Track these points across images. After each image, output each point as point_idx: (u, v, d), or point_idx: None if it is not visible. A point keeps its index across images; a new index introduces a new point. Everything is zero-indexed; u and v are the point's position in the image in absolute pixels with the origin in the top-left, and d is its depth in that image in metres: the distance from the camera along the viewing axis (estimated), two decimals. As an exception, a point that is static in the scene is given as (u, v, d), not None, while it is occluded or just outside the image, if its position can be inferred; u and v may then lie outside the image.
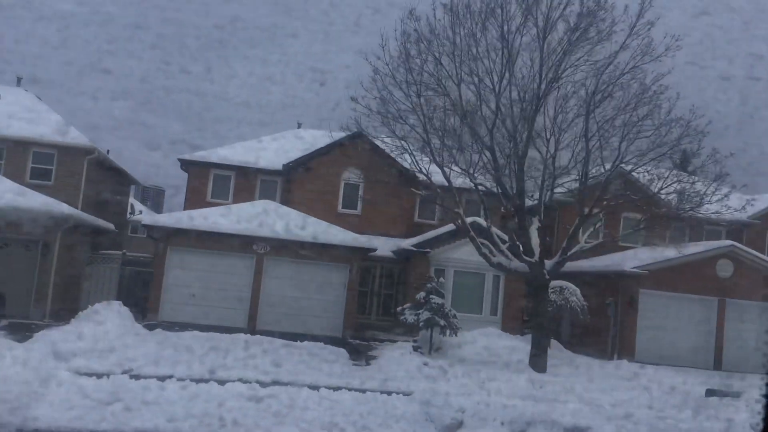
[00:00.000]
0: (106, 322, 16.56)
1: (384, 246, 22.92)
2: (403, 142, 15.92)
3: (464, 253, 20.68)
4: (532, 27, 13.88)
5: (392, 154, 18.10)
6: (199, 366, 12.79)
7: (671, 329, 20.18)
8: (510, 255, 15.35)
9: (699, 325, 20.42)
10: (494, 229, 15.76)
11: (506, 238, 16.85)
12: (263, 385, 11.40)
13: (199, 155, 24.92)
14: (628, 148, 13.94)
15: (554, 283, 19.70)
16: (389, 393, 11.90)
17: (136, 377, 11.33)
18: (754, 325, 20.61)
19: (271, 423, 9.19)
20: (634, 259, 20.91)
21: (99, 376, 11.09)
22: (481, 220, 17.22)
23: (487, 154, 14.36)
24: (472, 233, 15.42)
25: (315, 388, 11.64)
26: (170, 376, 11.65)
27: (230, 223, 19.37)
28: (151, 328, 17.44)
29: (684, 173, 14.23)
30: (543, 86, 14.11)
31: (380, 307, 22.73)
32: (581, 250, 15.36)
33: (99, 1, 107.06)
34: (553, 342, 20.24)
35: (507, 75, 14.20)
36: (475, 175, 15.42)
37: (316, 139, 25.47)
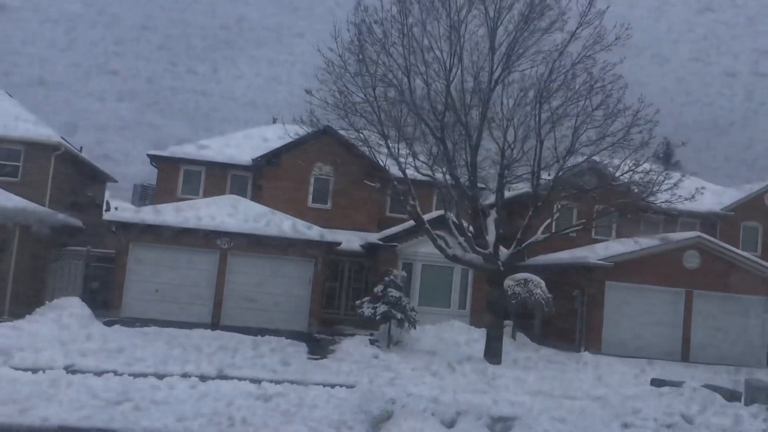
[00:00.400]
0: (62, 318, 16.47)
1: (354, 240, 22.84)
2: (360, 134, 15.78)
3: (432, 247, 20.56)
4: (483, 16, 13.75)
5: (361, 147, 17.95)
6: (142, 361, 12.70)
7: (638, 321, 20.08)
8: (467, 247, 15.22)
9: (666, 317, 20.31)
10: (452, 221, 15.60)
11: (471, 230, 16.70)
12: (203, 379, 11.28)
13: (169, 151, 24.78)
14: (579, 138, 13.81)
15: (519, 275, 19.66)
16: (332, 386, 11.81)
17: (74, 372, 11.21)
18: (721, 317, 20.54)
19: (198, 409, 9.07)
20: (601, 251, 20.81)
21: (35, 371, 10.95)
22: (451, 215, 17.05)
23: (440, 145, 14.23)
24: (426, 225, 15.32)
25: (256, 381, 11.52)
26: (111, 371, 11.54)
27: (193, 218, 19.23)
28: (110, 324, 17.32)
29: (638, 163, 13.96)
30: (494, 76, 13.99)
31: (349, 301, 22.58)
32: (536, 242, 15.24)
33: (105, 2, 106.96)
34: (520, 335, 20.20)
35: (458, 64, 14.08)
36: (434, 167, 15.27)
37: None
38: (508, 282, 19.56)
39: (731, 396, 11.06)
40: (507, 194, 22.09)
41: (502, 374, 13.61)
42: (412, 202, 15.06)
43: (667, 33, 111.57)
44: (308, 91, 15.21)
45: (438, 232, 15.61)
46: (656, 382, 11.71)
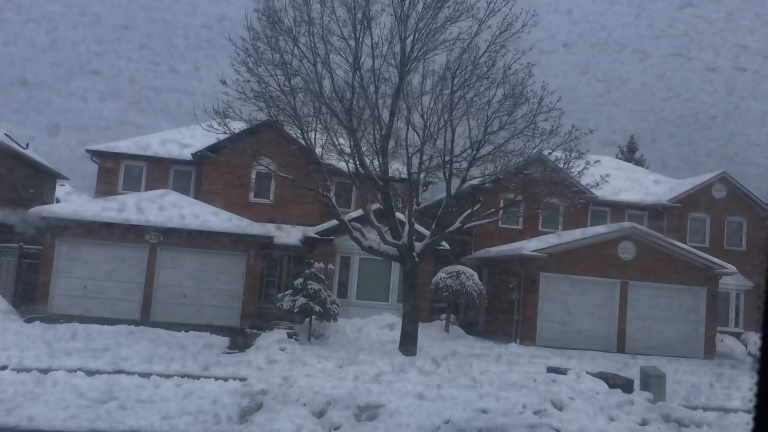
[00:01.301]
0: (-24, 315, 16.18)
1: (294, 234, 22.64)
2: (280, 124, 15.59)
3: (370, 241, 20.38)
4: (390, 5, 13.57)
5: (298, 139, 17.69)
6: (39, 356, 12.46)
7: (574, 312, 20.03)
8: (386, 239, 15.05)
9: (602, 308, 20.27)
10: (368, 212, 15.39)
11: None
12: (89, 373, 11.06)
13: (108, 146, 24.44)
14: (490, 126, 13.67)
15: (451, 267, 19.57)
16: (225, 379, 11.68)
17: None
18: (658, 307, 20.53)
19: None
20: (538, 242, 20.74)
21: None
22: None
23: (349, 134, 14.05)
24: (342, 217, 15.15)
25: (146, 375, 11.31)
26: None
27: (120, 212, 18.94)
28: (30, 321, 17.03)
29: (546, 151, 13.83)
30: (404, 66, 13.81)
31: (288, 296, 22.34)
32: (451, 232, 15.08)
33: (86, 2, 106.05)
34: (455, 327, 20.06)
35: (369, 52, 13.90)
36: (353, 156, 15.06)
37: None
38: (440, 274, 19.49)
39: (624, 383, 10.98)
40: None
41: (412, 366, 13.47)
42: (326, 193, 14.87)
43: (647, 29, 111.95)
44: (223, 82, 14.98)
45: (355, 224, 15.45)
46: (551, 370, 11.63)
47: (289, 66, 13.73)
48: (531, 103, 13.17)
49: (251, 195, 23.85)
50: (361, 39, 13.55)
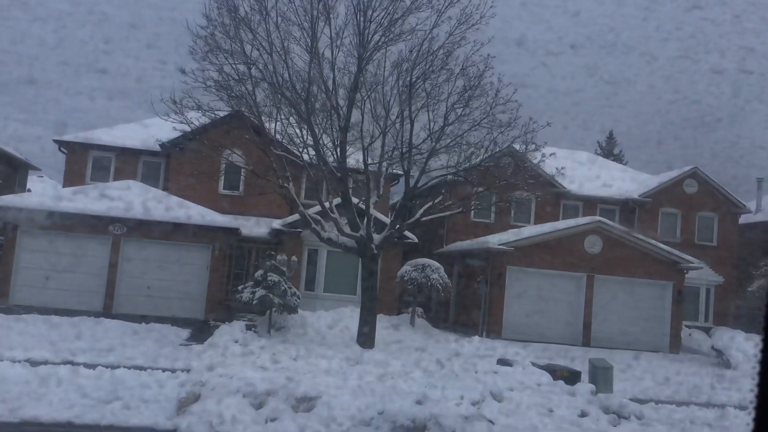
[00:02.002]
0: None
1: (264, 227, 22.50)
2: (245, 114, 15.46)
3: (329, 233, 20.26)
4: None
5: (270, 132, 17.54)
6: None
7: (540, 306, 20.05)
8: (345, 230, 14.97)
9: (568, 302, 20.31)
10: (324, 204, 15.27)
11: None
12: (34, 364, 10.92)
13: (76, 136, 24.15)
14: (447, 117, 13.61)
15: (417, 260, 19.54)
16: (174, 371, 11.65)
17: None
18: (624, 301, 20.59)
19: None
20: (506, 236, 20.73)
21: None
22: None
23: (306, 125, 13.95)
24: (301, 208, 15.07)
25: (91, 366, 11.20)
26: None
27: (83, 203, 18.73)
28: (-13, 312, 16.83)
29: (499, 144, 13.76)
30: (363, 56, 13.70)
31: (256, 288, 22.21)
32: (413, 224, 15.03)
33: (94, 1, 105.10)
34: (421, 321, 20.02)
35: (328, 42, 13.78)
36: (303, 148, 14.93)
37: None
38: (406, 267, 19.47)
39: (570, 375, 11.00)
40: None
41: (368, 359, 13.41)
42: (285, 185, 14.77)
43: (655, 31, 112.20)
44: (183, 71, 14.79)
45: (314, 216, 15.38)
46: (500, 362, 11.63)
47: (245, 55, 13.58)
48: (488, 95, 13.12)
49: (221, 186, 23.65)
50: (319, 28, 13.42)
